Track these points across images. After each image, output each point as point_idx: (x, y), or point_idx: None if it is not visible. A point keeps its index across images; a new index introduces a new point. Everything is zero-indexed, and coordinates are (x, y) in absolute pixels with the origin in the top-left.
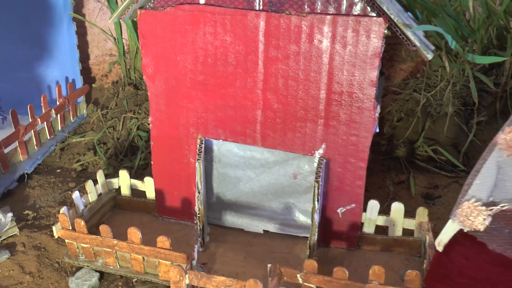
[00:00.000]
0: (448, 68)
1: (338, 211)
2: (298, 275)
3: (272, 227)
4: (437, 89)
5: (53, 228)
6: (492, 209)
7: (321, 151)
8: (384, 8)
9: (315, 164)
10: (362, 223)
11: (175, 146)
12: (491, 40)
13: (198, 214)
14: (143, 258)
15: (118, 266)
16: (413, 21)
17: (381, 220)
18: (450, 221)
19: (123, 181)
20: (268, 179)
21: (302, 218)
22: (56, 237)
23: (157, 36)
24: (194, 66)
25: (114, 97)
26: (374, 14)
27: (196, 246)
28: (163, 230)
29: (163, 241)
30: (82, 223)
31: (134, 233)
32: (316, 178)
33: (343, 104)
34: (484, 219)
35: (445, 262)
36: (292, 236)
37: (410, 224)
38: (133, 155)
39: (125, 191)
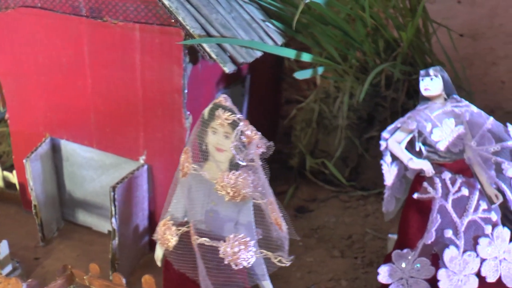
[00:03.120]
0: (319, 81)
1: None
2: (85, 277)
3: None
4: (329, 101)
5: None
6: (180, 229)
7: (144, 156)
8: (180, 19)
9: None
10: None
11: (29, 142)
12: (379, 53)
13: (34, 210)
14: None
15: None
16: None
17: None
18: None
19: None
20: (107, 180)
21: None
22: None
23: (3, 36)
24: (36, 67)
25: None
26: (177, 25)
27: None
28: (21, 222)
29: None
30: None
31: None
32: (116, 183)
33: (157, 112)
34: (172, 238)
35: (166, 277)
36: None
37: None
38: None
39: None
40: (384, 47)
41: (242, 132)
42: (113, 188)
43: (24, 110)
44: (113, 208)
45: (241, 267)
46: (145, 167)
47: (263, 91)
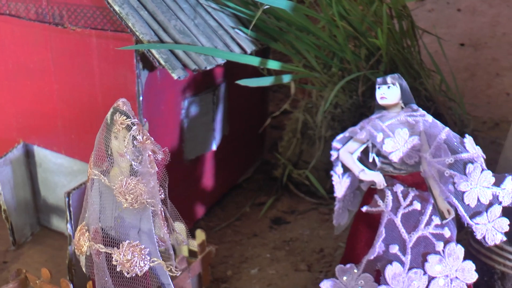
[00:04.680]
0: (293, 89)
1: None
2: (37, 282)
3: None
4: (314, 110)
5: None
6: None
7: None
8: (130, 24)
9: None
10: None
11: (4, 147)
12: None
13: (4, 214)
14: None
15: None
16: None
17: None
18: None
19: None
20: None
21: None
22: None
23: None
24: (5, 73)
25: None
26: (128, 31)
27: None
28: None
29: None
30: None
31: None
32: (72, 188)
33: None
34: (85, 244)
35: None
36: None
37: (194, 245)
38: None
39: None
40: (367, 55)
41: (134, 137)
42: (68, 194)
43: (0, 116)
44: (68, 214)
45: (134, 275)
46: None
47: (246, 101)
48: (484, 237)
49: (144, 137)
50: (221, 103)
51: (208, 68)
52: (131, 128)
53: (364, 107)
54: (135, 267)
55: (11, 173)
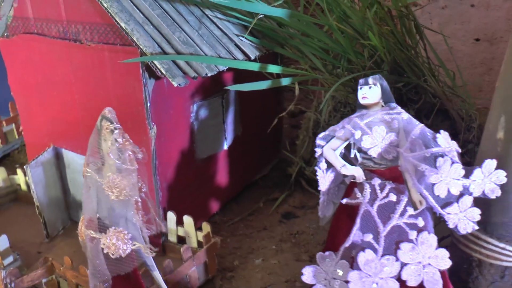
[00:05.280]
0: (297, 91)
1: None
2: (61, 268)
3: None
4: (324, 109)
5: None
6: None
7: None
8: (135, 39)
9: None
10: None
11: (39, 151)
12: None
13: (37, 210)
14: None
15: None
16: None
17: (181, 231)
18: None
19: (20, 178)
20: None
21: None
22: None
23: (13, 58)
24: (36, 85)
25: None
26: (133, 45)
27: None
28: (34, 221)
29: None
30: None
31: None
32: None
33: (128, 123)
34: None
35: None
36: None
37: (200, 236)
38: None
39: (24, 186)
40: (372, 55)
41: (116, 140)
42: None
43: (32, 123)
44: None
45: (118, 256)
46: None
47: (260, 102)
48: (456, 226)
49: (124, 139)
50: (232, 105)
51: (209, 74)
52: (113, 132)
53: None
54: (119, 250)
55: (43, 174)
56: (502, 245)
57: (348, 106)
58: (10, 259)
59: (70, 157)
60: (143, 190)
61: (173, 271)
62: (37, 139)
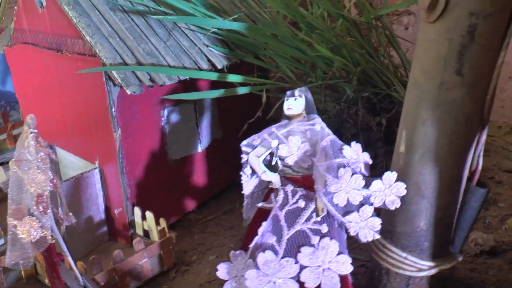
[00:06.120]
0: (264, 98)
1: (115, 211)
2: None
3: None
4: None
5: None
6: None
7: (97, 161)
8: (97, 51)
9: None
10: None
11: None
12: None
13: None
14: None
15: None
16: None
17: (145, 225)
18: None
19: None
20: None
21: None
22: None
23: (16, 65)
24: (32, 89)
25: None
26: (97, 56)
27: None
28: None
29: None
30: None
31: None
32: (63, 180)
33: (99, 126)
34: None
35: None
36: None
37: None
38: None
39: None
40: (345, 64)
41: (31, 143)
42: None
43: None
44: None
45: (30, 241)
46: (97, 169)
47: (242, 107)
48: (357, 234)
49: (37, 142)
50: (208, 111)
51: (167, 83)
52: (29, 135)
53: (347, 113)
54: (30, 236)
55: None
56: (404, 254)
57: (326, 113)
58: (1, 241)
59: (61, 154)
60: (57, 185)
61: (123, 260)
62: None
